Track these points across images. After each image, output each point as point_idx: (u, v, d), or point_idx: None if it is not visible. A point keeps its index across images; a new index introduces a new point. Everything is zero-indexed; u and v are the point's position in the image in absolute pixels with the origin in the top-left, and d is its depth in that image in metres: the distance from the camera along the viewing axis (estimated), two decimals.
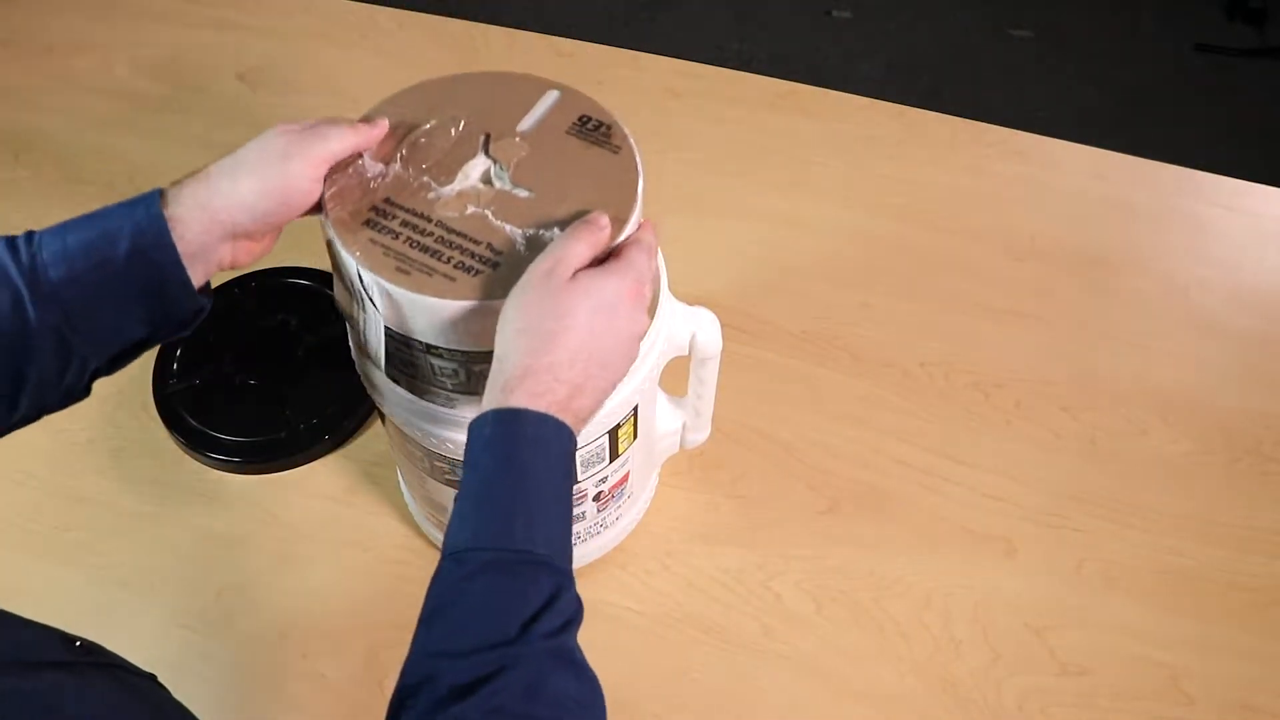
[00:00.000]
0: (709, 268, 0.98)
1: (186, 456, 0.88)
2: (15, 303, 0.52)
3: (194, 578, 0.82)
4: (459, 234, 0.57)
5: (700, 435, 0.79)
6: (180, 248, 0.53)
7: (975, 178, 1.05)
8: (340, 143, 0.57)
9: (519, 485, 0.48)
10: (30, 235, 0.53)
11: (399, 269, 0.55)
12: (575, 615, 0.49)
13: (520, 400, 0.49)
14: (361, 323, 0.61)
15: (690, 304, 0.68)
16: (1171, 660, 0.76)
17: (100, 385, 0.91)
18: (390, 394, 0.63)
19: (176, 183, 0.56)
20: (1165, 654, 0.76)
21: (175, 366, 0.91)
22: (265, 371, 0.90)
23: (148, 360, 0.92)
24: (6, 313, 0.52)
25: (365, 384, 0.66)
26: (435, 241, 0.56)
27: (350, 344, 0.66)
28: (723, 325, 0.69)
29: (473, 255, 0.56)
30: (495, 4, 2.28)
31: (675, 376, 0.73)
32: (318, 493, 0.86)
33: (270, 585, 0.81)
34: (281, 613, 0.80)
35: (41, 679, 0.43)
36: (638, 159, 0.61)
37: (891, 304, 0.96)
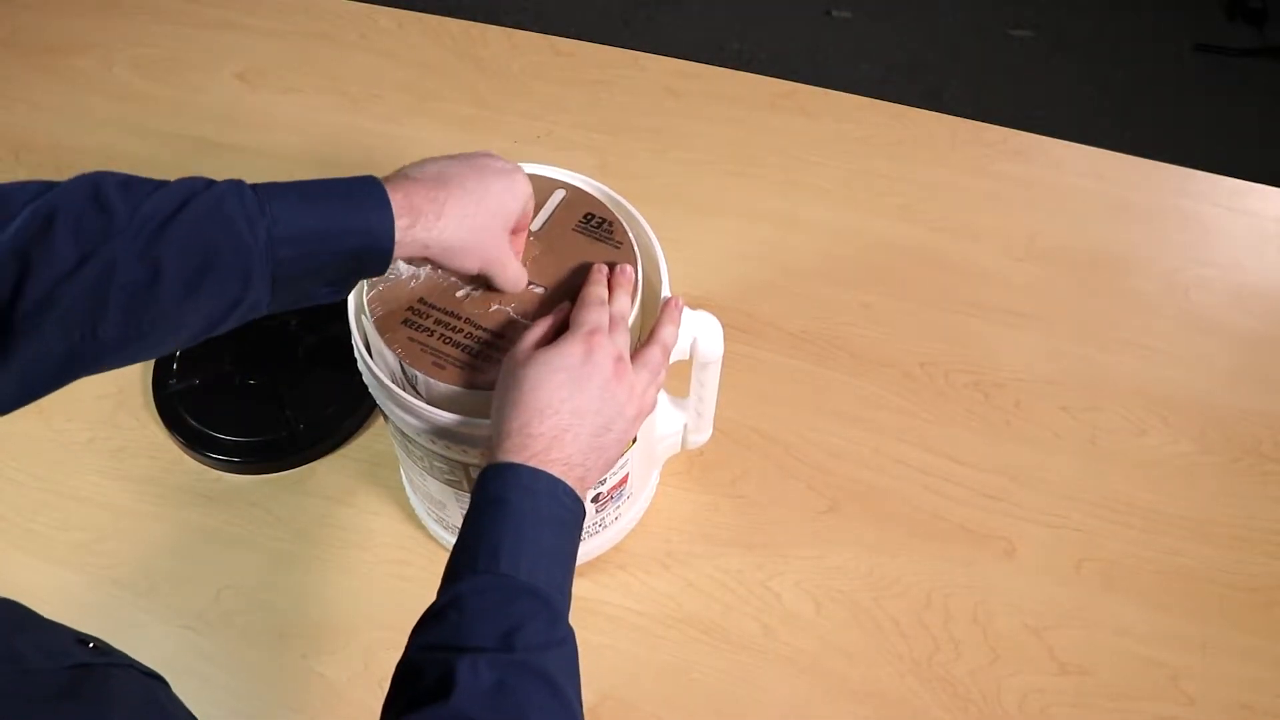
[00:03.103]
0: (709, 268, 0.98)
1: (186, 456, 0.88)
2: (244, 278, 0.53)
3: (194, 578, 0.82)
4: (485, 329, 0.64)
5: (702, 436, 0.79)
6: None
7: (975, 178, 1.05)
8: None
9: (504, 520, 0.54)
10: (260, 204, 0.53)
11: (435, 364, 0.62)
12: (559, 642, 0.52)
13: (503, 458, 0.56)
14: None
15: (690, 304, 0.68)
16: (1171, 660, 0.76)
17: (100, 385, 0.92)
18: (393, 396, 0.64)
19: (408, 192, 0.57)
20: (1165, 654, 0.76)
21: (175, 366, 0.91)
22: (265, 371, 0.90)
23: (147, 361, 0.92)
24: (234, 291, 0.54)
25: (368, 383, 0.66)
26: (465, 337, 0.63)
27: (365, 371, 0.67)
28: (723, 325, 0.69)
29: (498, 348, 0.63)
30: (495, 4, 2.28)
31: (677, 377, 0.73)
32: (318, 493, 0.86)
33: (270, 585, 0.81)
34: (281, 613, 0.80)
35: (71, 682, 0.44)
36: (636, 251, 0.68)
37: (891, 304, 0.96)
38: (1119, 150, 1.07)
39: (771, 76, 1.15)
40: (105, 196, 0.51)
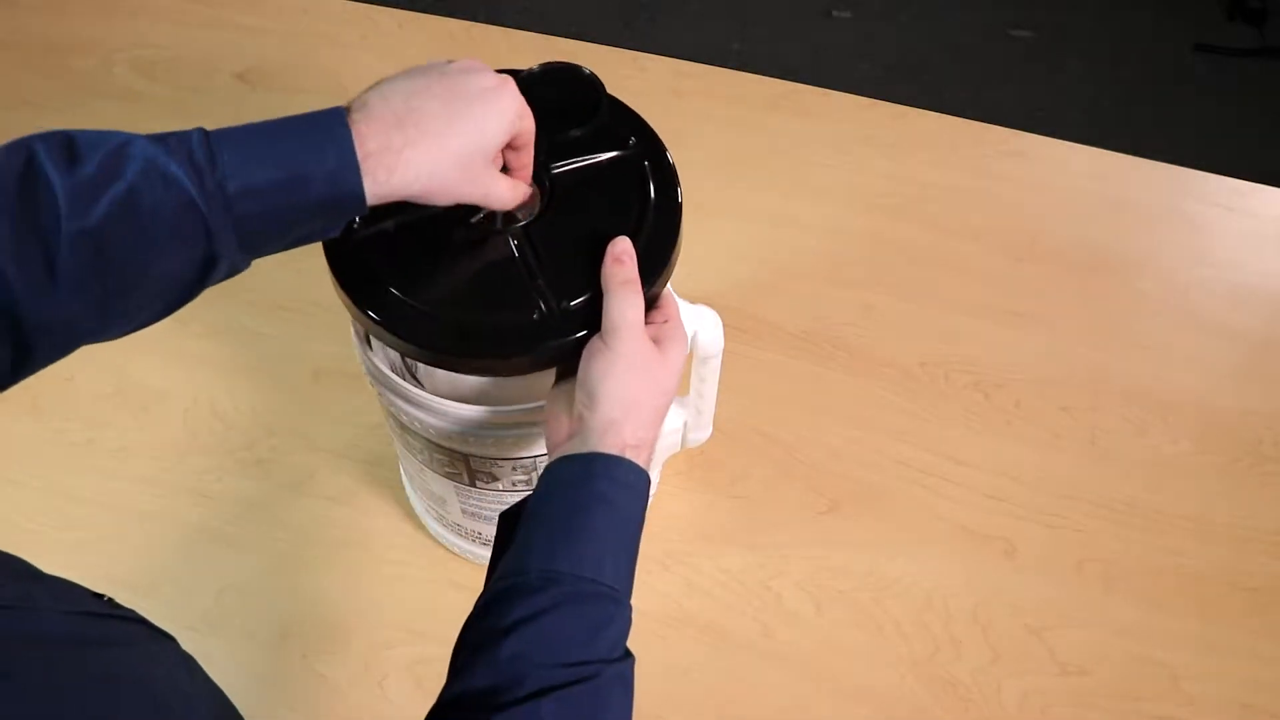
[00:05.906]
0: (709, 268, 0.98)
1: (186, 457, 0.88)
2: (206, 247, 0.48)
3: (194, 578, 0.82)
4: None
5: (701, 434, 0.79)
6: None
7: (975, 178, 1.05)
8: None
9: (609, 523, 0.52)
10: (210, 155, 0.48)
11: None
12: (625, 640, 0.52)
13: (610, 447, 0.53)
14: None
15: (691, 303, 0.68)
16: (1171, 660, 0.76)
17: (100, 385, 0.92)
18: (387, 382, 0.63)
19: (368, 122, 0.53)
20: (1165, 654, 0.76)
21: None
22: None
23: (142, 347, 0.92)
24: (196, 260, 0.49)
25: (368, 374, 0.66)
26: None
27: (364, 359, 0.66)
28: (723, 325, 0.69)
29: None
30: (495, 4, 2.28)
31: None
32: (318, 493, 0.86)
33: (270, 585, 0.81)
34: (281, 613, 0.80)
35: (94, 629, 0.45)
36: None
37: (891, 304, 0.96)
38: (1119, 150, 1.07)
39: (771, 76, 1.15)
40: (39, 170, 0.46)
